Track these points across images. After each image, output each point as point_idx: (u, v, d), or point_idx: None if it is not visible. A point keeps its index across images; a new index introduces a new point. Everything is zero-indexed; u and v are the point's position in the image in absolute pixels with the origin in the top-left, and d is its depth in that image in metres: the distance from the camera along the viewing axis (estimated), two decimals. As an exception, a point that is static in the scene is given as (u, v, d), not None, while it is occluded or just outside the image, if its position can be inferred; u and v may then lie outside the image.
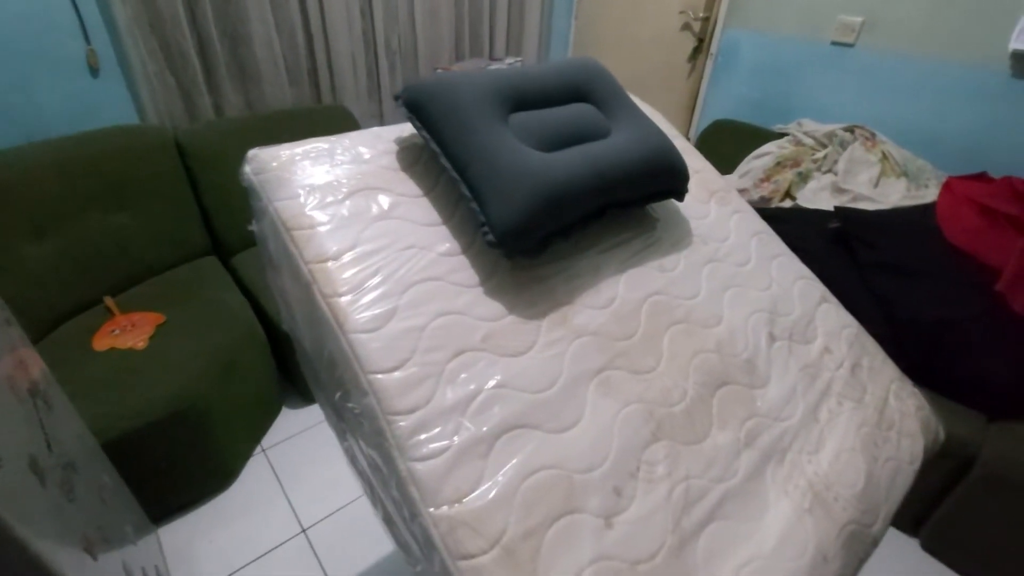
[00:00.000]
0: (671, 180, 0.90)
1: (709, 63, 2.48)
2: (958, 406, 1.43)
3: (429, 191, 0.83)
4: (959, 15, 1.76)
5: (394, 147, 0.87)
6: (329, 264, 0.70)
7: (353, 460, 0.74)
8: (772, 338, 0.89)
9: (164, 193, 1.82)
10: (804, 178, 1.94)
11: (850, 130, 1.93)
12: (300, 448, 1.70)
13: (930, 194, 1.71)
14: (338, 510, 1.51)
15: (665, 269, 0.90)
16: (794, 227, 1.75)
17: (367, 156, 0.85)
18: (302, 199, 0.74)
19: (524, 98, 0.84)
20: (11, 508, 0.57)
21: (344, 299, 0.68)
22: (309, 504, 1.52)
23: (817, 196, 1.83)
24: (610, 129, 0.90)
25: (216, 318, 1.62)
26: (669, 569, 0.62)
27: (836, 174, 1.82)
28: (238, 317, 1.65)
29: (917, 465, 0.84)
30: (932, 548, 1.50)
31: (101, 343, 1.49)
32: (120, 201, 1.74)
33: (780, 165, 2.03)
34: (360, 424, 0.66)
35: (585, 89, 0.92)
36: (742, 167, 2.15)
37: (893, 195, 1.72)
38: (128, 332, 1.53)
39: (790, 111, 2.25)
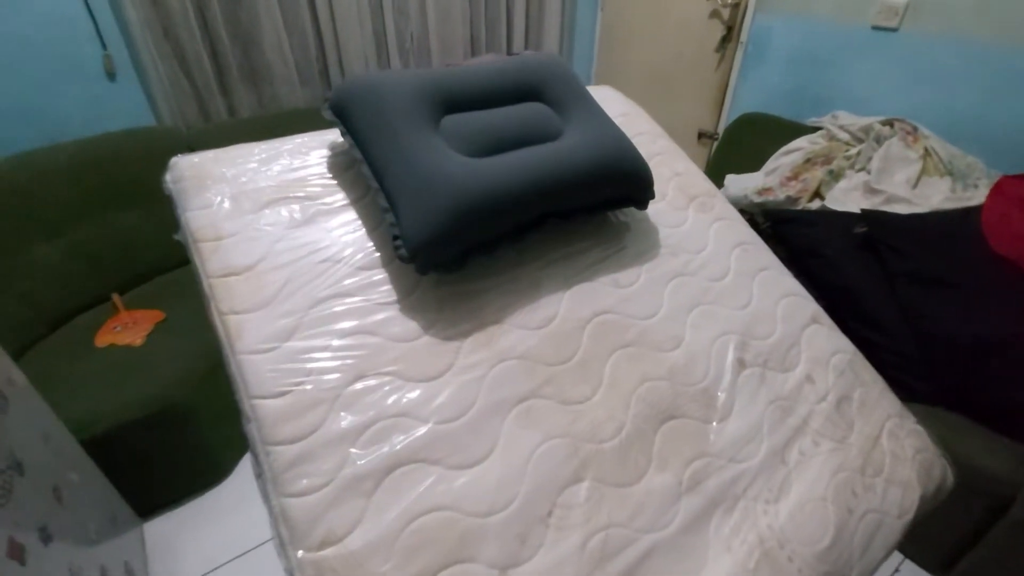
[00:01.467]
0: (627, 187, 0.81)
1: (739, 52, 2.30)
2: (997, 437, 1.25)
3: (358, 200, 0.78)
4: (1021, -7, 1.53)
5: (330, 153, 0.83)
6: (231, 279, 0.67)
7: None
8: (741, 364, 0.79)
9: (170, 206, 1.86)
10: (836, 176, 1.76)
11: (889, 123, 1.73)
12: (293, 448, 1.70)
13: (979, 195, 1.50)
14: (320, 514, 1.49)
15: (620, 284, 0.82)
16: (818, 231, 1.60)
17: (299, 162, 0.81)
18: (214, 208, 0.71)
19: (461, 98, 0.77)
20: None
21: (240, 316, 0.64)
22: (293, 506, 1.52)
23: (847, 197, 1.65)
24: (562, 131, 0.82)
25: (212, 317, 1.64)
26: (569, 635, 0.54)
27: (869, 172, 1.63)
28: (234, 317, 1.67)
29: (908, 519, 0.72)
30: (964, 598, 1.32)
31: (102, 339, 1.54)
32: (132, 201, 1.79)
33: (810, 162, 1.85)
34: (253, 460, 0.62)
35: (538, 88, 0.84)
36: (769, 164, 1.98)
37: (934, 197, 1.53)
38: (129, 329, 1.58)
39: (826, 103, 2.05)
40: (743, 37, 2.26)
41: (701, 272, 0.87)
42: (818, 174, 1.79)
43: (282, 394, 0.60)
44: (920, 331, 1.36)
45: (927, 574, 1.39)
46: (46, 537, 0.87)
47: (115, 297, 1.71)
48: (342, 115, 0.75)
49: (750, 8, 2.19)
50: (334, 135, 0.86)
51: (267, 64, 2.07)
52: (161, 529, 1.46)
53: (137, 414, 1.34)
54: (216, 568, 1.38)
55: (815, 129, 1.95)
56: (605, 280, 0.81)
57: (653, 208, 0.93)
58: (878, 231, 1.44)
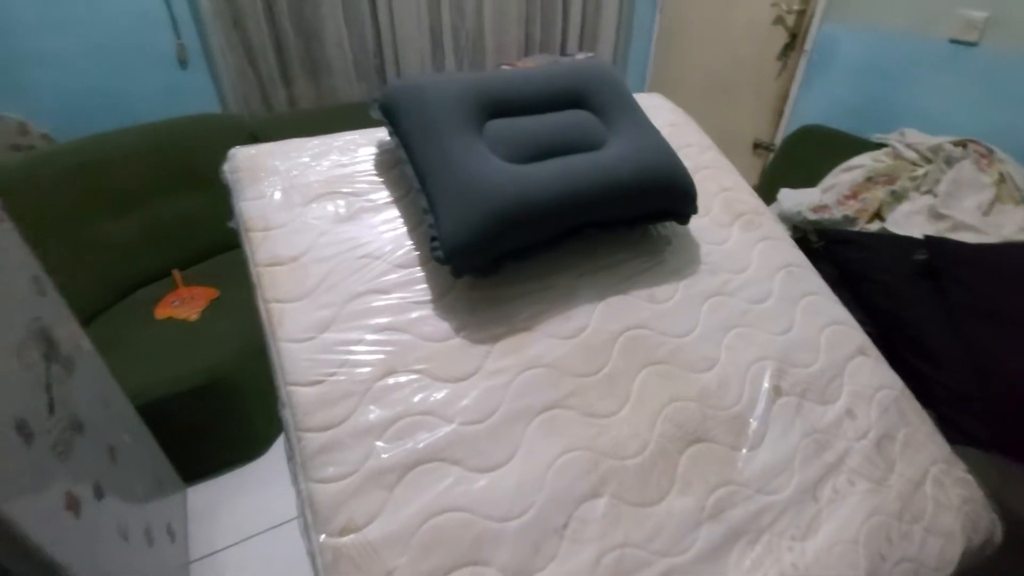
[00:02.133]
0: (668, 200, 0.80)
1: (802, 61, 2.21)
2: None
3: (400, 198, 0.80)
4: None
5: (377, 151, 0.85)
6: (277, 268, 0.70)
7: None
8: (777, 392, 0.76)
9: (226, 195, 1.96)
10: (898, 198, 1.67)
11: (962, 144, 1.62)
12: (327, 430, 1.76)
13: (1060, 228, 1.39)
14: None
15: (656, 300, 0.80)
16: (875, 255, 1.52)
17: (348, 159, 0.83)
18: (266, 200, 0.75)
19: (506, 104, 0.77)
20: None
21: (282, 305, 0.67)
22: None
23: (909, 220, 1.56)
24: (606, 140, 0.81)
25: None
26: (574, 650, 0.54)
27: (936, 196, 1.54)
28: (280, 300, 1.74)
29: (947, 573, 0.68)
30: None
31: (162, 312, 1.64)
32: (196, 183, 1.89)
33: (871, 181, 1.76)
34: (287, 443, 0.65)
35: (585, 95, 0.83)
36: (827, 180, 1.89)
37: (1007, 226, 1.42)
38: (186, 304, 1.67)
39: (894, 119, 1.94)
40: (808, 45, 2.17)
41: (741, 293, 0.85)
42: (879, 194, 1.70)
43: (316, 383, 0.63)
44: (980, 368, 1.27)
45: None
46: (99, 493, 0.93)
47: (175, 273, 1.82)
48: (390, 115, 0.77)
49: (816, 15, 2.10)
50: (382, 133, 0.88)
51: (327, 58, 2.14)
52: (202, 496, 1.54)
53: (188, 385, 1.42)
54: (250, 537, 1.45)
55: (880, 146, 1.85)
56: (640, 294, 0.80)
57: (696, 223, 0.91)
58: (940, 260, 1.35)
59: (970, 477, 0.77)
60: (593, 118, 0.83)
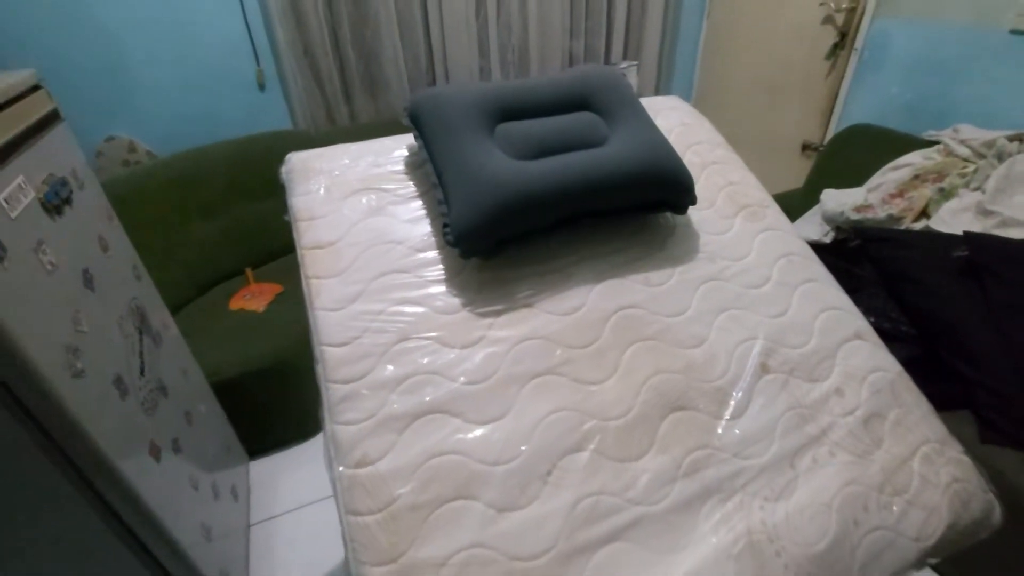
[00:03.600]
0: (665, 192, 0.87)
1: (853, 59, 2.17)
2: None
3: (424, 193, 0.92)
4: None
5: (407, 153, 0.98)
6: (318, 251, 0.84)
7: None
8: (764, 369, 0.81)
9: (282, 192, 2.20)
10: (947, 195, 1.61)
11: (1018, 139, 1.55)
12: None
13: (1125, 223, 1.30)
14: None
15: (651, 283, 0.87)
16: (914, 253, 1.49)
17: (383, 160, 0.97)
18: (312, 195, 0.89)
19: (515, 108, 0.88)
20: (84, 409, 0.79)
21: (320, 281, 0.81)
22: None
23: (956, 218, 1.51)
24: (608, 137, 0.89)
25: (319, 293, 1.91)
26: (547, 574, 0.62)
27: (985, 192, 1.48)
28: (337, 295, 1.93)
29: (928, 545, 0.70)
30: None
31: (235, 304, 1.87)
32: (268, 191, 2.08)
33: (919, 179, 1.71)
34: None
35: (589, 98, 0.92)
36: (874, 179, 1.85)
37: (1063, 222, 1.35)
38: (255, 297, 1.90)
39: (949, 116, 1.87)
40: (858, 43, 2.12)
41: (737, 279, 0.90)
42: (926, 192, 1.65)
43: (344, 344, 0.75)
44: (1020, 368, 1.22)
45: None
46: (176, 448, 1.11)
47: (247, 271, 2.06)
48: (416, 121, 0.90)
49: (868, 11, 2.06)
50: (409, 139, 1.01)
51: (385, 77, 2.34)
52: (264, 468, 1.74)
53: (255, 366, 1.62)
54: (303, 506, 1.62)
55: (931, 143, 1.79)
56: (636, 278, 0.87)
57: (699, 215, 0.97)
58: (981, 256, 1.31)
59: (966, 459, 0.77)
60: (597, 118, 0.91)
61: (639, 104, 0.94)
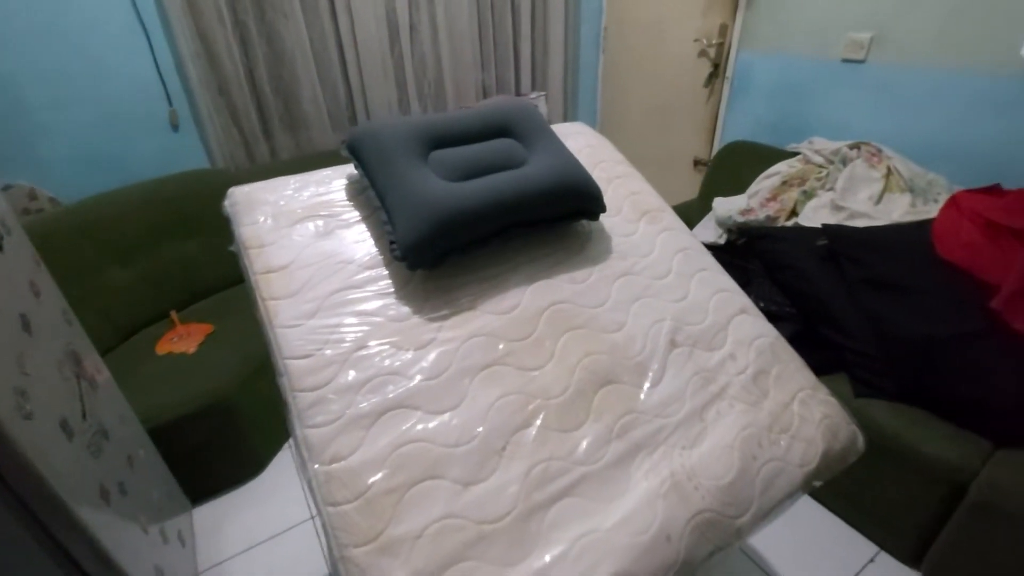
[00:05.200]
0: (579, 202, 1.02)
1: (726, 87, 2.51)
2: (952, 427, 1.36)
3: (367, 217, 1.01)
4: (970, 24, 1.70)
5: (347, 181, 1.07)
6: (270, 275, 0.90)
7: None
8: (673, 344, 0.96)
9: (225, 226, 2.16)
10: (808, 196, 1.92)
11: (856, 147, 1.89)
12: (321, 446, 1.91)
13: (937, 209, 1.64)
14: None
15: (576, 281, 1.01)
16: (788, 246, 1.76)
17: (324, 189, 1.05)
18: (260, 224, 0.95)
19: (444, 137, 1.00)
20: (36, 451, 0.79)
21: (276, 302, 0.87)
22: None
23: (816, 214, 1.81)
24: (527, 160, 1.03)
25: (255, 328, 1.90)
26: (511, 532, 0.72)
27: (835, 191, 1.79)
28: (272, 329, 1.92)
29: (809, 468, 0.87)
30: (934, 582, 1.40)
31: (162, 348, 1.81)
32: (190, 232, 2.10)
33: (787, 184, 2.02)
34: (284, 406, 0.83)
35: (508, 127, 1.06)
36: (752, 187, 2.15)
37: (895, 212, 1.67)
38: (183, 339, 1.85)
39: (805, 130, 2.23)
40: (728, 73, 2.47)
41: (645, 272, 1.06)
42: (794, 195, 1.95)
43: (307, 356, 0.82)
44: (879, 333, 1.49)
45: (899, 563, 1.48)
46: (123, 491, 1.09)
47: (172, 313, 2.00)
48: (355, 153, 0.99)
49: (733, 46, 2.41)
50: (350, 168, 1.10)
51: (304, 113, 2.39)
52: (209, 514, 1.68)
53: (191, 408, 1.59)
54: (253, 547, 1.58)
55: (794, 154, 2.12)
56: (563, 277, 1.01)
57: (609, 221, 1.13)
58: (837, 243, 1.59)
59: (832, 399, 0.97)
60: (516, 144, 1.05)
61: (551, 130, 1.09)
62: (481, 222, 0.91)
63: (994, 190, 1.58)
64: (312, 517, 1.66)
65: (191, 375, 1.69)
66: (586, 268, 1.04)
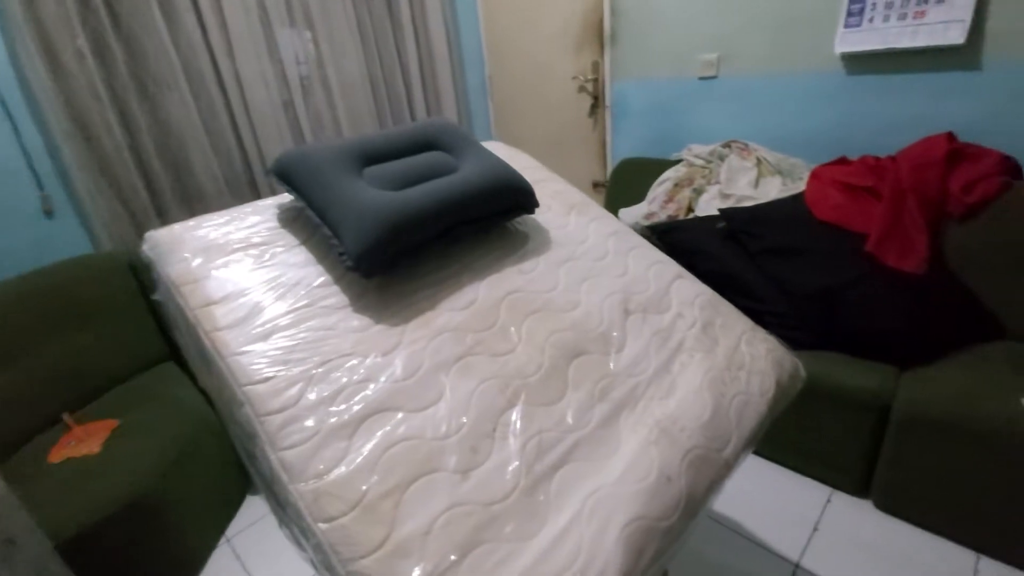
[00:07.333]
0: (515, 197, 1.07)
1: (607, 115, 2.78)
2: (863, 361, 1.53)
3: (307, 240, 0.99)
4: (794, 36, 2.05)
5: (277, 211, 1.04)
6: (212, 307, 0.83)
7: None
8: (627, 312, 1.02)
9: (121, 311, 1.97)
10: (699, 192, 2.15)
11: (727, 145, 2.17)
12: (267, 533, 1.71)
13: (803, 184, 1.90)
14: (304, 580, 1.51)
15: (524, 271, 1.04)
16: (693, 233, 1.94)
17: (254, 220, 1.01)
18: (189, 261, 0.89)
19: (375, 154, 1.02)
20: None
21: (222, 332, 0.81)
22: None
23: (710, 205, 2.02)
24: (457, 167, 1.07)
25: (170, 415, 1.71)
26: (520, 506, 0.70)
27: (720, 183, 2.02)
28: (192, 411, 1.74)
29: (769, 396, 0.94)
30: (884, 506, 1.53)
31: (57, 455, 1.56)
32: (81, 323, 1.87)
33: (679, 186, 2.24)
34: (249, 440, 0.76)
35: (434, 141, 1.10)
36: (649, 195, 2.36)
37: (772, 191, 1.92)
38: (83, 442, 1.61)
39: (681, 140, 2.51)
40: (607, 102, 2.74)
41: (585, 256, 1.12)
42: (687, 194, 2.17)
43: (267, 379, 0.76)
44: (786, 293, 1.67)
45: (852, 497, 1.60)
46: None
47: (65, 416, 1.74)
48: (285, 178, 0.97)
49: (607, 79, 2.69)
50: (276, 200, 1.07)
51: (199, 184, 2.28)
52: (139, 636, 1.42)
53: (108, 511, 1.37)
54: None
55: (677, 161, 2.38)
56: (512, 270, 1.04)
57: (543, 217, 1.19)
58: (733, 222, 1.79)
59: (771, 336, 1.07)
60: (445, 155, 1.09)
61: (475, 139, 1.15)
62: (428, 222, 0.93)
63: (842, 161, 1.88)
64: (271, 608, 1.46)
65: (101, 476, 1.47)
66: (531, 259, 1.08)
